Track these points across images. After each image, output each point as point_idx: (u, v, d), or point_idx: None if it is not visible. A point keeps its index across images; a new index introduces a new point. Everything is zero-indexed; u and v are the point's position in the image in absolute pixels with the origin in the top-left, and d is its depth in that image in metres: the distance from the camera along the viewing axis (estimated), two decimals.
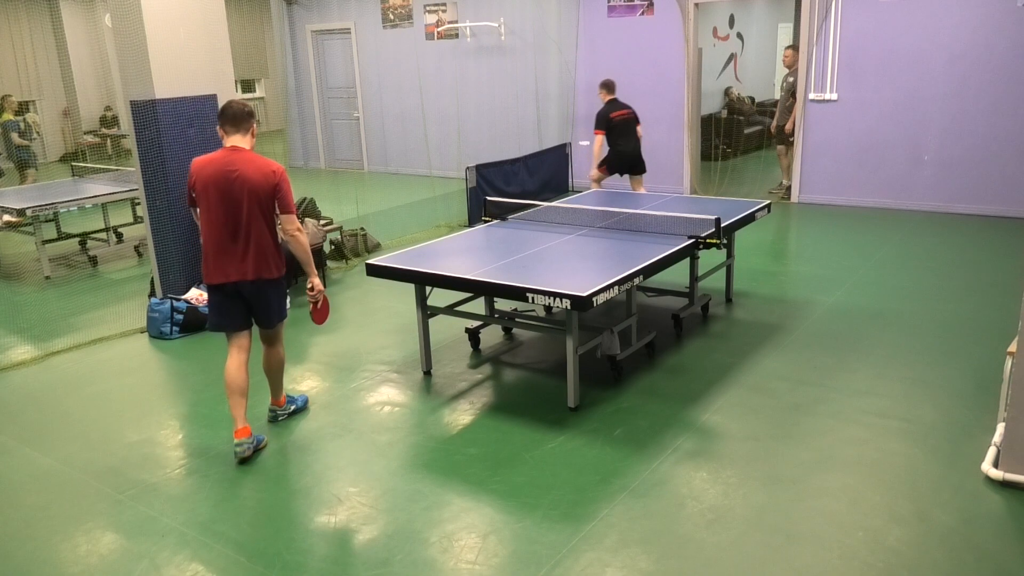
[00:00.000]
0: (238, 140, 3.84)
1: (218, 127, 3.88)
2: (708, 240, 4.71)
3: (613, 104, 7.60)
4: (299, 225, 3.94)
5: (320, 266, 6.57)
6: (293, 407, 4.37)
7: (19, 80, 15.11)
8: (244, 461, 3.87)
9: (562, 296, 3.81)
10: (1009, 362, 3.45)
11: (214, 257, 3.84)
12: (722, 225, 4.77)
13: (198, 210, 3.90)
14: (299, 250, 3.94)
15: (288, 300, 4.31)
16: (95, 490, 3.68)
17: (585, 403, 4.28)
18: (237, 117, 3.83)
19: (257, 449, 3.99)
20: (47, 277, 7.41)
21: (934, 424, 3.91)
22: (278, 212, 3.88)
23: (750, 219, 5.60)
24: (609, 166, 7.80)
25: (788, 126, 9.19)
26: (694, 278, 5.39)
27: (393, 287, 4.98)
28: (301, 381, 4.81)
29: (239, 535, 3.27)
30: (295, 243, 3.91)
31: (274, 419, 4.32)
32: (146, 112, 5.68)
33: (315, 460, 3.89)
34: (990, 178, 8.01)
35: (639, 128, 7.77)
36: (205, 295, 5.82)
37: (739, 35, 13.39)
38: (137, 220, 8.39)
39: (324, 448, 4.01)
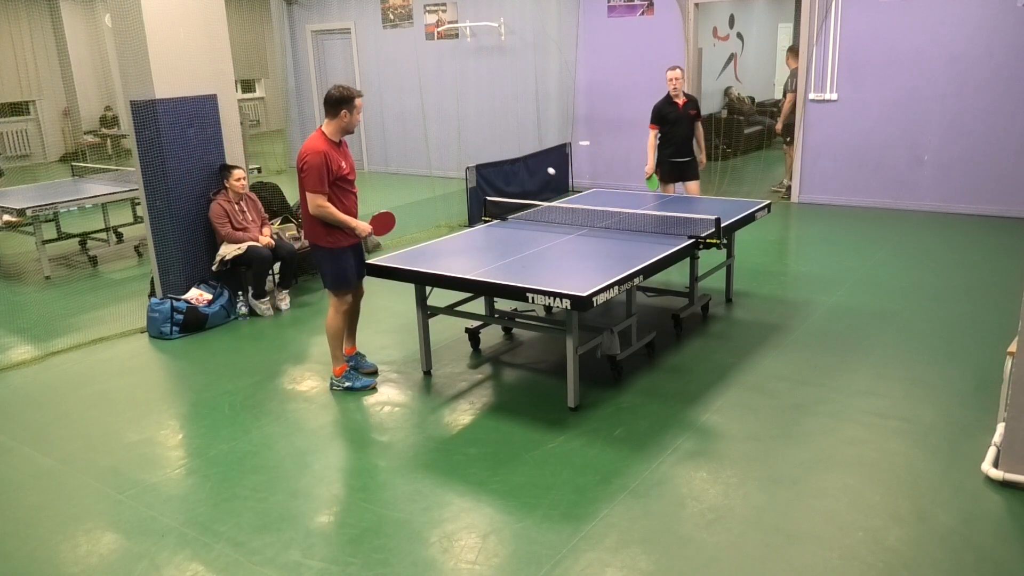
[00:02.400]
0: (324, 124, 4.34)
1: None
2: (708, 240, 4.70)
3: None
4: (320, 202, 4.25)
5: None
6: (348, 384, 4.60)
7: (19, 80, 15.10)
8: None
9: (562, 296, 3.81)
10: (1009, 362, 3.45)
11: None
12: (722, 225, 4.77)
13: None
14: (327, 220, 4.31)
15: (340, 277, 4.50)
16: (95, 490, 3.68)
17: (585, 403, 4.28)
18: (326, 103, 4.30)
19: (349, 389, 4.57)
20: (47, 277, 7.40)
21: (934, 424, 3.91)
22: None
23: (750, 219, 5.60)
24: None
25: (778, 125, 9.24)
26: (694, 278, 5.39)
27: (393, 287, 4.98)
28: (302, 381, 4.81)
29: (239, 535, 3.27)
30: (319, 217, 4.30)
31: (330, 387, 4.64)
32: (146, 112, 5.68)
33: (315, 460, 3.89)
34: (990, 178, 8.01)
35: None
36: (205, 295, 5.85)
37: (739, 35, 13.39)
38: (137, 220, 8.39)
39: (324, 448, 4.01)
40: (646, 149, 6.96)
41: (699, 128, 6.92)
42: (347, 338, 4.74)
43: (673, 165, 6.88)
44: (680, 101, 6.80)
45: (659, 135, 6.88)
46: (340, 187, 4.35)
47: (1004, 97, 7.77)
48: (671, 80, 6.73)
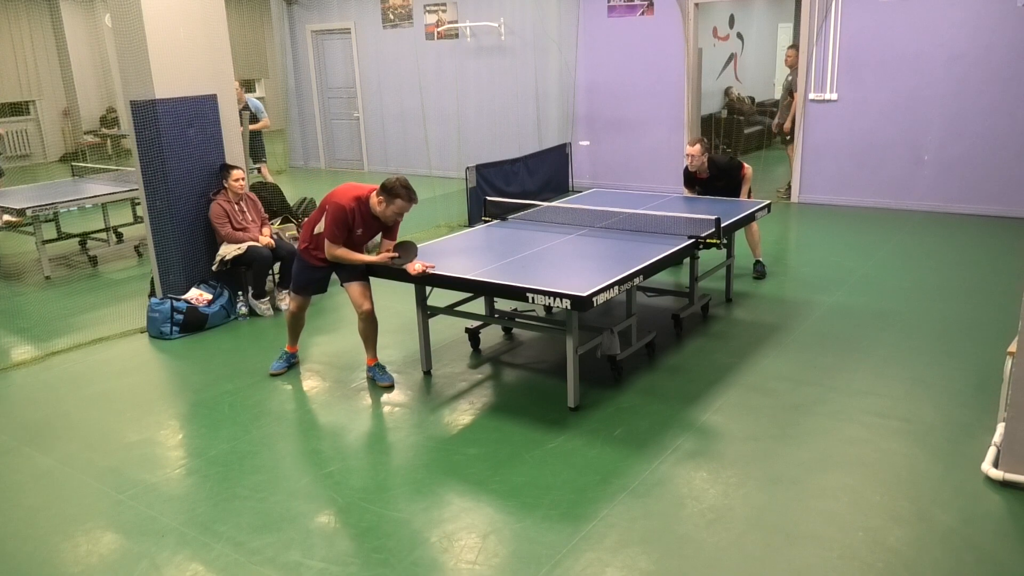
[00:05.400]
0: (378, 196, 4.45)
1: None
2: (708, 240, 4.71)
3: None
4: (334, 252, 4.51)
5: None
6: (274, 362, 4.97)
7: (19, 80, 15.10)
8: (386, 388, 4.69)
9: (562, 296, 3.81)
10: (1009, 362, 3.45)
11: None
12: (722, 225, 4.77)
13: None
14: (344, 261, 4.59)
15: (293, 277, 4.91)
16: (95, 490, 3.68)
17: (585, 403, 4.28)
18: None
19: (375, 382, 4.68)
20: (47, 277, 7.40)
21: (934, 424, 3.91)
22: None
23: (750, 219, 5.61)
24: None
25: (787, 125, 9.22)
26: (694, 278, 5.39)
27: (393, 287, 4.98)
28: (302, 380, 4.82)
29: (239, 535, 3.27)
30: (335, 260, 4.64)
31: None
32: (146, 112, 5.68)
33: (314, 460, 3.89)
34: (990, 178, 8.01)
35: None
36: (205, 295, 5.85)
37: (739, 35, 13.39)
38: (137, 220, 8.39)
39: (324, 448, 4.01)
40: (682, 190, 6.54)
41: (743, 185, 6.29)
42: (367, 348, 4.76)
43: None
44: (703, 176, 6.28)
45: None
46: (345, 235, 4.50)
47: (1004, 97, 7.77)
48: (686, 157, 6.24)
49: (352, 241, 4.52)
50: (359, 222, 4.45)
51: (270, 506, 3.47)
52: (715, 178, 6.31)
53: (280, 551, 3.15)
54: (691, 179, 6.43)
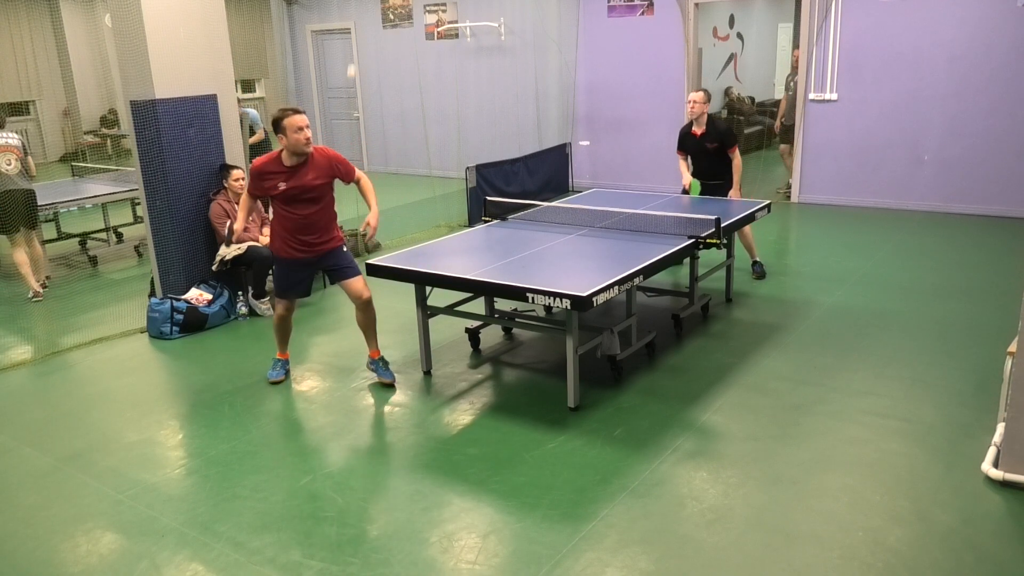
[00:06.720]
0: None
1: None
2: (708, 240, 4.71)
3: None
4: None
5: None
6: (270, 370, 4.85)
7: (19, 80, 15.10)
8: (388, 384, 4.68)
9: (562, 296, 3.81)
10: (1009, 362, 3.45)
11: None
12: (722, 225, 4.77)
13: None
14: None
15: (275, 282, 4.75)
16: (95, 490, 3.68)
17: (585, 403, 4.28)
18: None
19: (377, 376, 4.69)
20: (47, 277, 7.40)
21: (934, 424, 3.91)
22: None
23: (750, 219, 5.61)
24: None
25: (776, 125, 9.25)
26: (694, 278, 5.39)
27: (393, 287, 4.98)
28: (302, 381, 4.82)
29: (239, 535, 3.27)
30: None
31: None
32: (146, 112, 5.68)
33: (314, 460, 3.89)
34: (990, 178, 8.01)
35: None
36: (205, 295, 5.85)
37: (739, 35, 13.40)
38: (137, 220, 8.39)
39: (324, 448, 4.01)
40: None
41: (733, 161, 6.12)
42: (368, 341, 4.73)
43: (704, 186, 6.24)
44: (698, 131, 6.09)
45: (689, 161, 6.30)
46: (287, 204, 4.36)
47: (1004, 97, 7.77)
48: (688, 103, 6.07)
49: (286, 196, 4.30)
50: (277, 176, 4.28)
51: (270, 506, 3.47)
52: (709, 137, 6.07)
53: (280, 551, 3.15)
54: (684, 139, 6.21)
